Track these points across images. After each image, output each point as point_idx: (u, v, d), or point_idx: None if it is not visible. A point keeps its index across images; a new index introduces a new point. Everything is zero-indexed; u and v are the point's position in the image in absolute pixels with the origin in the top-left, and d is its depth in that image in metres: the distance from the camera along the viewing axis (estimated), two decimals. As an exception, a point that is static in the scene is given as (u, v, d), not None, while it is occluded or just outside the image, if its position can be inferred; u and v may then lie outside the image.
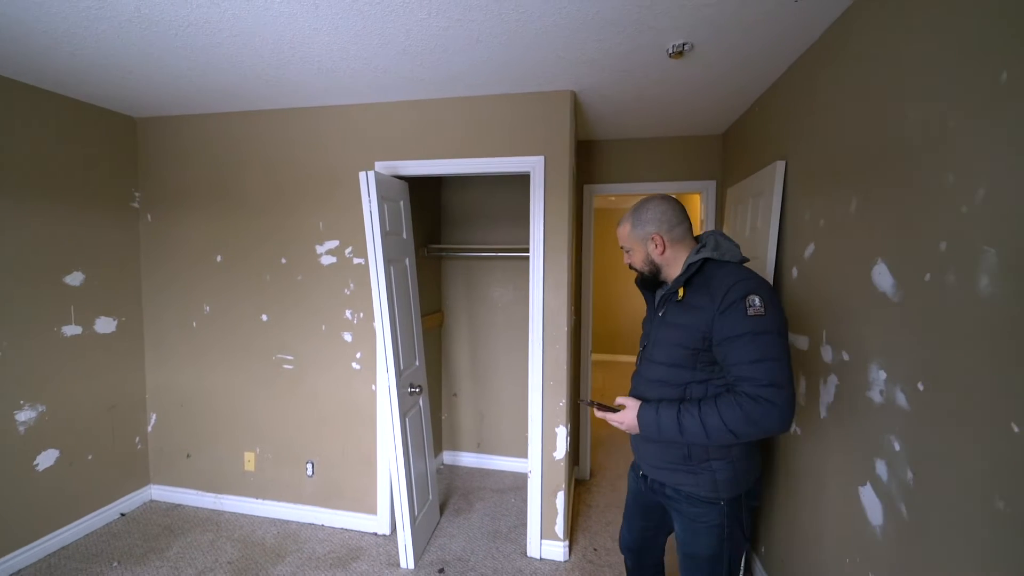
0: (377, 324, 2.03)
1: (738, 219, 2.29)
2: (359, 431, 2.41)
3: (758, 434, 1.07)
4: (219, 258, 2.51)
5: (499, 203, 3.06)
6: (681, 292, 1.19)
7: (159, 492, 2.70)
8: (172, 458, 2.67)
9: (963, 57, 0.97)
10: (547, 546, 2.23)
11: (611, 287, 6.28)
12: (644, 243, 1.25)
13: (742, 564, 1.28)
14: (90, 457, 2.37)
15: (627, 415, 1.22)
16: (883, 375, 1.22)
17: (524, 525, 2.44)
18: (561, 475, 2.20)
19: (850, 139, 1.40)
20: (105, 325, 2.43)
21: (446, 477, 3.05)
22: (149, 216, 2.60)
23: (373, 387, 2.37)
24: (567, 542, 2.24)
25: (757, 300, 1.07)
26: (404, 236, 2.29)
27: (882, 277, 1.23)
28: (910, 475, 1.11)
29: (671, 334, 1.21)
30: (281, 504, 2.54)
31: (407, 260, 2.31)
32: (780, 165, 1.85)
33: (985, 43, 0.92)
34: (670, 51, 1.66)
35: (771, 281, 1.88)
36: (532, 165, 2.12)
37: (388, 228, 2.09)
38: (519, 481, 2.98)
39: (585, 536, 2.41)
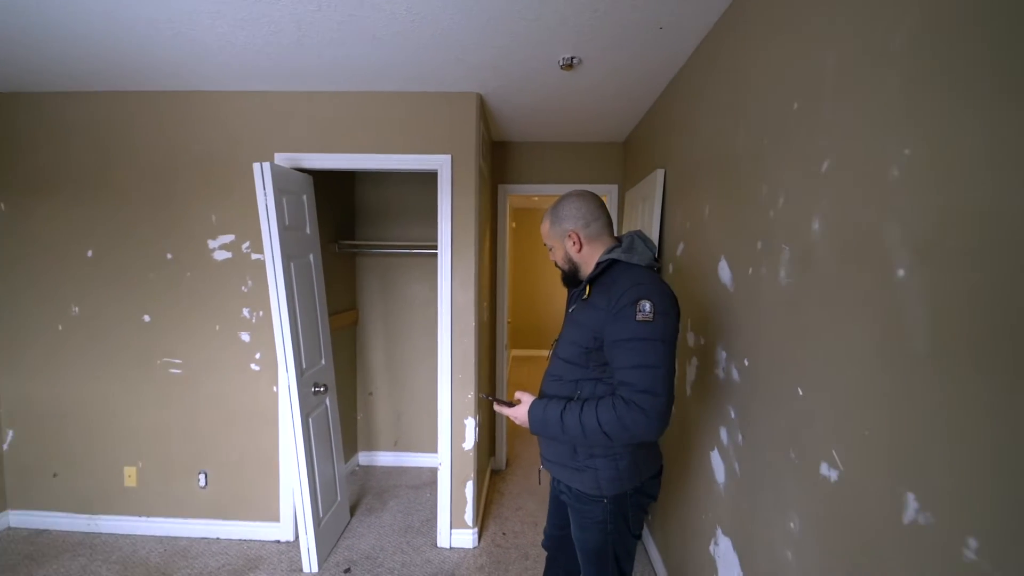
0: (275, 322, 1.96)
1: (634, 221, 2.50)
2: (260, 436, 2.30)
3: (630, 439, 1.06)
4: (90, 253, 2.26)
5: (415, 200, 3.06)
6: (588, 291, 1.18)
7: (19, 518, 2.37)
8: (35, 479, 2.36)
9: (772, 86, 1.17)
10: (457, 535, 2.29)
11: (535, 284, 6.49)
12: (562, 240, 1.23)
13: (632, 559, 1.25)
14: (-80, 484, 2.03)
15: (520, 409, 1.21)
16: (724, 355, 1.43)
17: (437, 518, 2.47)
18: (470, 465, 2.27)
19: (706, 152, 1.61)
20: (-60, 330, 2.09)
21: (361, 478, 3.00)
22: (2, 205, 2.27)
23: (275, 388, 2.28)
24: (477, 529, 2.32)
25: (647, 306, 1.05)
26: (307, 231, 2.23)
27: (724, 271, 1.44)
28: (740, 438, 1.32)
29: (573, 332, 1.20)
30: (170, 520, 2.35)
31: (311, 256, 2.25)
32: (660, 172, 2.07)
33: (784, 77, 1.12)
34: (561, 63, 1.79)
35: (653, 276, 2.09)
36: (439, 163, 2.16)
37: (288, 223, 2.02)
38: (436, 476, 3.01)
39: (496, 522, 2.51)
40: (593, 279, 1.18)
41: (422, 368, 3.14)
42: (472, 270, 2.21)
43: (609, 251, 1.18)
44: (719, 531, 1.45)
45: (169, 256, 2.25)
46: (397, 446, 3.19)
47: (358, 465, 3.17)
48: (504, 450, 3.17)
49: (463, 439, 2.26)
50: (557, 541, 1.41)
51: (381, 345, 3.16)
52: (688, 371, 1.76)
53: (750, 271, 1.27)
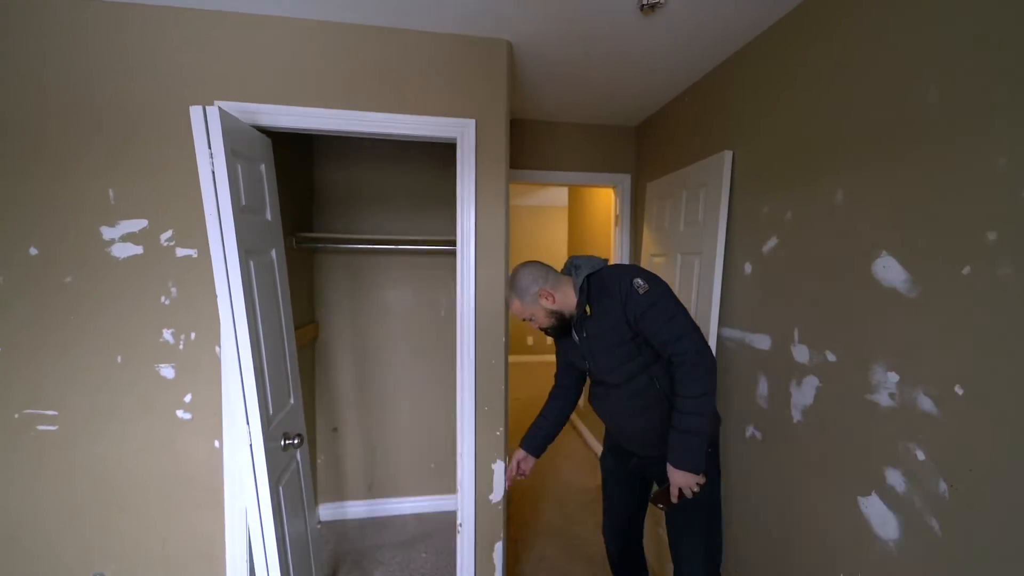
0: (228, 350, 1.30)
1: (667, 214, 2.17)
2: (193, 512, 1.58)
3: (711, 376, 1.22)
4: None
5: (395, 183, 2.46)
6: (588, 309, 1.34)
7: None
8: None
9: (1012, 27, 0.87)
10: (481, 613, 1.78)
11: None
12: (536, 303, 1.37)
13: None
14: None
15: (680, 477, 1.23)
16: (894, 377, 1.13)
17: (444, 587, 1.94)
18: (499, 522, 1.77)
19: (832, 123, 1.30)
20: None
21: (328, 540, 2.33)
22: None
23: (216, 443, 1.57)
24: (503, 600, 1.83)
25: (640, 281, 1.27)
26: (268, 216, 1.57)
27: (891, 272, 1.13)
28: (944, 487, 1.01)
29: (606, 340, 1.34)
30: (38, 655, 1.53)
31: (273, 252, 1.59)
32: (727, 155, 1.75)
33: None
34: (644, 1, 1.38)
35: (720, 275, 1.77)
36: (459, 130, 1.63)
37: (245, 202, 1.37)
38: (428, 525, 2.44)
39: (518, 583, 2.03)
40: (591, 298, 1.34)
41: (403, 390, 2.54)
42: (502, 272, 1.71)
43: (579, 275, 1.36)
44: (885, 600, 1.14)
45: (34, 251, 1.45)
46: (372, 492, 2.55)
47: (319, 522, 2.47)
48: (502, 483, 2.69)
49: (490, 489, 1.76)
50: (626, 524, 1.57)
51: (349, 367, 2.50)
52: (794, 392, 1.45)
53: (966, 270, 0.97)
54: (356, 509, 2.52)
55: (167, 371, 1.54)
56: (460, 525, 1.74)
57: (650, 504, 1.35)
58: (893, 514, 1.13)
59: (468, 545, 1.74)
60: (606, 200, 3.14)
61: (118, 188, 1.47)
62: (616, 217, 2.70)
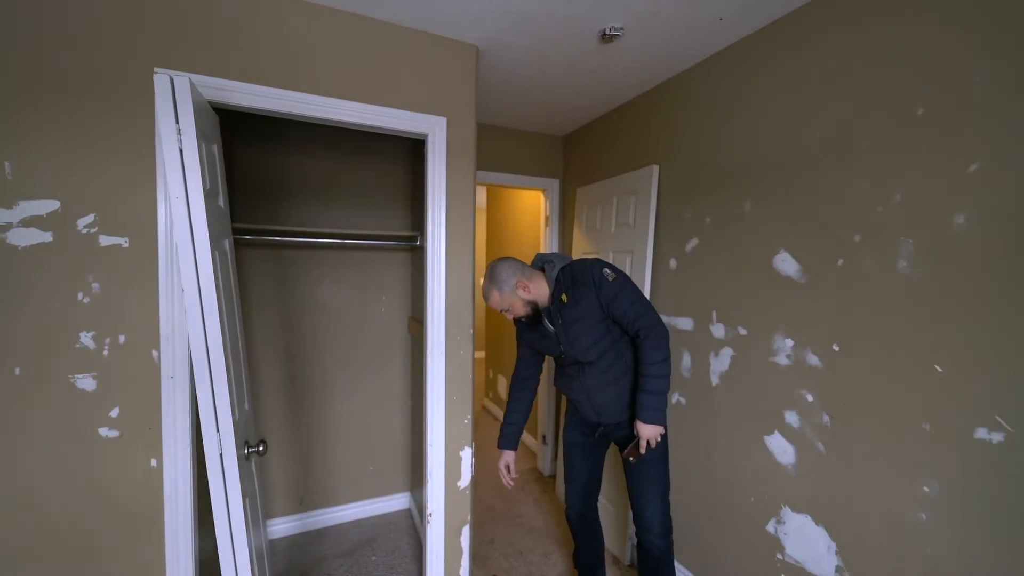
0: (197, 352, 1.16)
1: (598, 217, 2.46)
2: (124, 547, 1.35)
3: (667, 344, 1.47)
4: None
5: (327, 173, 2.32)
6: (566, 297, 1.50)
7: None
8: None
9: (872, 87, 1.28)
10: (450, 597, 1.83)
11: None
12: (514, 294, 1.51)
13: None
14: None
15: (649, 429, 1.48)
16: (790, 342, 1.51)
17: (406, 583, 1.94)
18: (467, 507, 1.84)
19: (742, 152, 1.67)
20: None
21: (255, 562, 2.11)
22: None
23: (153, 462, 1.37)
24: (469, 582, 1.90)
25: (607, 271, 1.49)
26: (221, 203, 1.42)
27: (786, 264, 1.52)
28: (827, 418, 1.41)
29: (583, 323, 1.49)
30: None
31: (227, 243, 1.44)
32: (654, 169, 2.08)
33: (895, 83, 1.23)
34: (607, 31, 1.60)
35: (650, 270, 2.09)
36: (431, 127, 1.66)
37: (208, 187, 1.23)
38: (371, 530, 2.36)
39: (476, 565, 2.11)
40: (566, 288, 1.51)
41: (340, 393, 2.42)
42: (469, 267, 1.79)
43: (553, 268, 1.55)
44: (786, 510, 1.53)
45: None
46: (304, 505, 2.38)
47: (246, 544, 2.22)
48: (443, 476, 2.72)
49: (459, 476, 1.82)
50: (587, 488, 1.74)
51: (276, 371, 2.29)
52: (712, 362, 1.81)
53: (840, 262, 1.36)
54: (285, 526, 2.32)
55: (86, 382, 1.29)
56: (430, 514, 1.77)
57: (621, 457, 1.59)
58: (790, 444, 1.52)
59: (438, 532, 1.78)
60: (532, 203, 3.37)
61: (18, 161, 1.20)
62: (547, 218, 2.94)
